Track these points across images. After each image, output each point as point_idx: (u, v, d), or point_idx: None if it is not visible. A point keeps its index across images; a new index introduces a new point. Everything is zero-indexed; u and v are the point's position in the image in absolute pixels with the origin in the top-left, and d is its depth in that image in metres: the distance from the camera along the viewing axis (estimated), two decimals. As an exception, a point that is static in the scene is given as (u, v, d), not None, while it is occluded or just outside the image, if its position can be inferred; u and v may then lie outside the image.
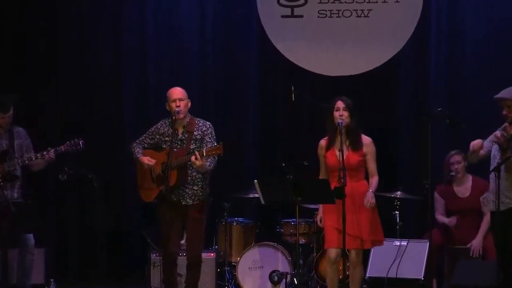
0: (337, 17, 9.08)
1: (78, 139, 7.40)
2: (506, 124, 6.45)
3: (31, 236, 7.60)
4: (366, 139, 7.05)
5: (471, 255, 7.80)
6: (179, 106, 7.03)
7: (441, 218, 8.05)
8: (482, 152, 6.58)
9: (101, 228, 8.62)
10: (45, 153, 7.38)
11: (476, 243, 7.82)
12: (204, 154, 6.82)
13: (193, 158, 6.80)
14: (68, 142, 7.41)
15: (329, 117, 7.04)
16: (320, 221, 7.11)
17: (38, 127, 8.59)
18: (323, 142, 7.10)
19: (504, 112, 6.51)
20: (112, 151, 9.05)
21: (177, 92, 7.12)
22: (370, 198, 6.89)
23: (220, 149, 6.81)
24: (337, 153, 6.86)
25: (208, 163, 6.96)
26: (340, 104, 6.99)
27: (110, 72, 9.29)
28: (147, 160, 7.09)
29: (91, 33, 9.30)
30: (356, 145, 6.98)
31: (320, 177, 7.07)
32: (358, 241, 6.90)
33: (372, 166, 7.04)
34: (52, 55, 9.23)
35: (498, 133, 6.38)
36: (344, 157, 6.78)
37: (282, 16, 9.14)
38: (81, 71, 9.30)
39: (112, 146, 9.11)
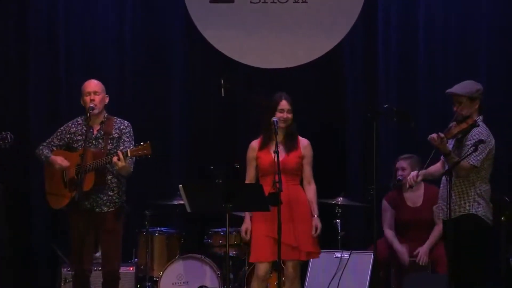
0: (272, 2, 9.03)
1: (5, 133, 7.10)
2: (453, 123, 6.39)
3: None
4: (303, 141, 7.01)
5: (417, 261, 7.80)
6: (93, 100, 6.86)
7: (390, 235, 7.97)
8: (434, 171, 6.62)
9: (5, 240, 8.43)
10: None
11: (423, 250, 7.81)
12: (129, 155, 6.64)
13: (115, 158, 6.62)
14: None
15: (266, 115, 6.93)
16: (246, 232, 6.93)
17: None
18: (254, 144, 7.03)
19: (455, 109, 6.46)
20: (17, 153, 8.67)
21: (91, 85, 6.97)
22: (319, 225, 6.83)
23: (148, 149, 6.61)
24: (273, 154, 6.77)
25: (128, 165, 6.78)
26: (285, 105, 6.91)
27: (14, 63, 9.05)
28: (60, 160, 6.87)
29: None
30: (293, 146, 6.92)
31: None
32: (295, 251, 6.80)
33: (309, 171, 6.99)
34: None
35: (433, 135, 6.29)
36: (281, 159, 6.70)
37: (211, 1, 9.07)
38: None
39: (17, 148, 8.60)
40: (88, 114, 6.82)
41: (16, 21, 9.02)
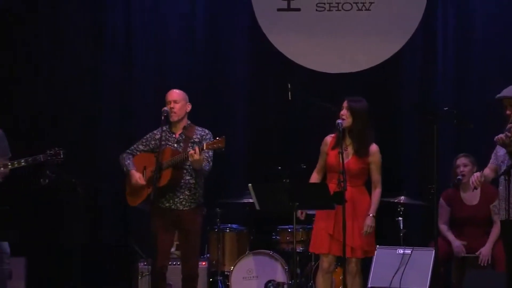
0: (336, 10, 9.16)
1: (58, 149, 7.25)
2: (510, 125, 6.45)
3: (6, 244, 7.54)
4: (372, 147, 7.16)
5: (479, 263, 7.87)
6: (172, 108, 7.22)
7: (445, 229, 8.06)
8: (490, 174, 6.65)
9: (80, 237, 8.33)
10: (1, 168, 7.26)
11: (485, 251, 7.88)
12: (205, 148, 6.94)
13: (191, 151, 6.90)
14: (48, 152, 7.23)
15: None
16: (302, 213, 7.16)
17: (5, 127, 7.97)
18: (329, 139, 7.23)
19: (508, 112, 6.53)
20: (91, 155, 9.07)
21: (171, 94, 7.34)
22: (370, 223, 7.06)
23: (222, 142, 6.91)
24: (338, 154, 6.97)
25: (204, 164, 7.08)
26: (344, 103, 7.14)
27: (88, 66, 9.26)
28: (138, 177, 7.19)
29: (68, 22, 9.28)
30: (360, 152, 7.12)
31: (314, 173, 7.25)
32: (352, 250, 7.03)
33: (376, 176, 7.18)
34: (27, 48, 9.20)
35: (501, 136, 6.39)
36: (346, 161, 6.93)
37: (278, 10, 9.22)
38: (55, 65, 9.25)
39: (90, 150, 9.14)
40: (162, 117, 7.20)
41: (92, 27, 9.24)
